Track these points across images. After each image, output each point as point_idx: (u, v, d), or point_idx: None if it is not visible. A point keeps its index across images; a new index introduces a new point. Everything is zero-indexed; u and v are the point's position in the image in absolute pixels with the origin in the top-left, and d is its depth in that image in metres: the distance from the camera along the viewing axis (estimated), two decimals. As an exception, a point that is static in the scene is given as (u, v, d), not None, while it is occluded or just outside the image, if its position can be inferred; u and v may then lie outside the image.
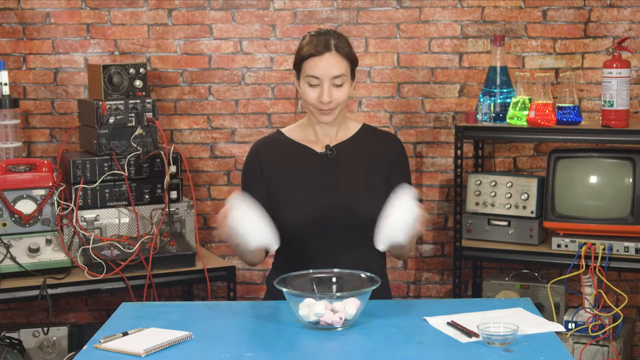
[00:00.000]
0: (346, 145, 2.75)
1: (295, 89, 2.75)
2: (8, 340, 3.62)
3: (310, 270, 2.47)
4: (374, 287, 2.35)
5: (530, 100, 3.75)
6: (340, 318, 2.28)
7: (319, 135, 2.75)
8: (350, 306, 2.29)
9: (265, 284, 2.85)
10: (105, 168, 3.57)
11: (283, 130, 2.81)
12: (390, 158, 2.76)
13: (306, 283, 2.44)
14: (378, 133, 2.83)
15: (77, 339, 3.74)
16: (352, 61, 2.69)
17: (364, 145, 2.76)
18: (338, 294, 2.34)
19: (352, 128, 2.79)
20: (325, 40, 2.65)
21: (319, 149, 2.74)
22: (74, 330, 3.77)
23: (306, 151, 2.73)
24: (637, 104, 4.06)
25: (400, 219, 2.41)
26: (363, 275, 2.43)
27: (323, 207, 2.66)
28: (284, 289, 2.32)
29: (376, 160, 2.74)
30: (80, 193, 3.53)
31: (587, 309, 3.69)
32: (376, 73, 4.12)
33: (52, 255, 3.43)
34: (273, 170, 2.72)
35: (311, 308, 2.28)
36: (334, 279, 2.46)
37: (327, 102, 2.63)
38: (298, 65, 2.69)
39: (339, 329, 2.30)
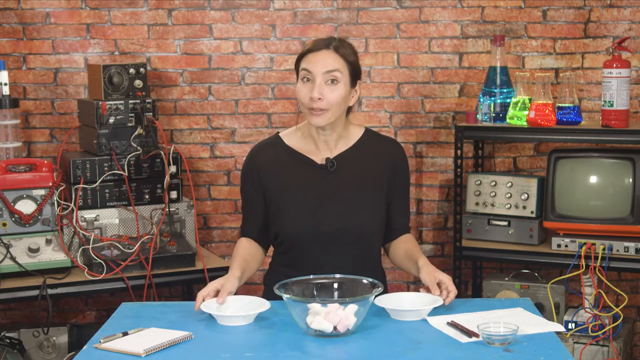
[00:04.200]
0: (347, 156, 2.70)
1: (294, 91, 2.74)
2: (8, 340, 3.62)
3: (311, 276, 2.45)
4: (376, 294, 2.33)
5: (530, 100, 3.75)
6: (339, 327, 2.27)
7: (319, 145, 2.70)
8: (351, 315, 2.28)
9: (263, 283, 2.84)
10: (105, 168, 3.57)
11: (282, 135, 2.76)
12: (392, 166, 2.73)
13: (307, 289, 2.42)
14: (380, 139, 2.78)
15: (77, 339, 3.74)
16: (352, 65, 2.62)
17: (365, 154, 2.71)
18: (339, 300, 2.31)
19: (353, 135, 2.73)
20: (326, 41, 2.63)
21: (319, 160, 2.69)
22: (74, 330, 3.77)
23: (306, 162, 2.69)
24: (637, 104, 4.06)
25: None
26: (365, 281, 2.41)
27: (322, 220, 2.64)
28: (285, 296, 2.30)
29: (378, 170, 2.71)
30: (80, 193, 3.53)
31: (587, 309, 3.69)
32: (376, 73, 4.12)
33: (52, 255, 3.43)
34: (271, 178, 2.69)
35: (316, 319, 2.26)
36: (335, 285, 2.44)
37: (316, 97, 2.55)
38: (297, 66, 2.66)
39: (340, 336, 2.28)
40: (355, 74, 2.64)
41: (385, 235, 2.77)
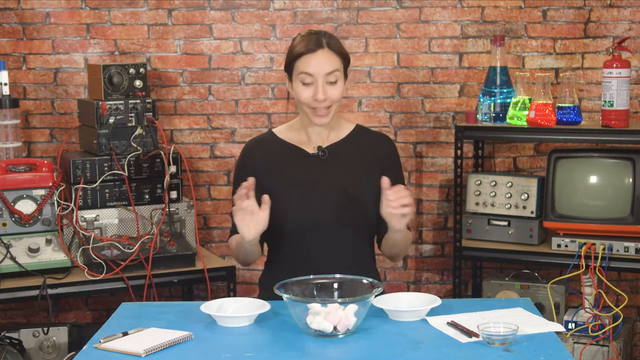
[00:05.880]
0: (338, 147, 2.74)
1: (287, 91, 2.74)
2: (8, 340, 3.62)
3: (311, 276, 2.45)
4: (376, 294, 2.33)
5: (530, 100, 3.75)
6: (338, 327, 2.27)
7: (312, 137, 2.74)
8: (350, 315, 2.27)
9: (258, 284, 2.83)
10: (105, 168, 3.57)
11: (275, 130, 2.81)
12: (383, 160, 2.75)
13: (307, 289, 2.41)
14: (371, 134, 2.82)
15: (77, 339, 3.74)
16: (345, 58, 2.67)
17: (356, 147, 2.75)
18: (340, 300, 2.31)
19: (345, 129, 2.78)
20: (316, 39, 2.64)
21: (311, 149, 2.73)
22: (74, 330, 3.77)
23: (298, 152, 2.72)
24: (637, 104, 4.06)
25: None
26: (365, 281, 2.41)
27: (315, 209, 2.65)
28: (285, 296, 2.30)
29: (368, 162, 2.73)
30: (80, 193, 3.53)
31: (587, 309, 3.69)
32: (376, 73, 4.12)
33: (52, 255, 3.43)
34: (264, 171, 2.71)
35: (316, 319, 2.25)
36: (335, 285, 2.43)
37: (322, 99, 2.61)
38: (290, 66, 2.67)
39: (340, 336, 2.28)
40: (347, 66, 2.69)
41: (380, 230, 2.75)
